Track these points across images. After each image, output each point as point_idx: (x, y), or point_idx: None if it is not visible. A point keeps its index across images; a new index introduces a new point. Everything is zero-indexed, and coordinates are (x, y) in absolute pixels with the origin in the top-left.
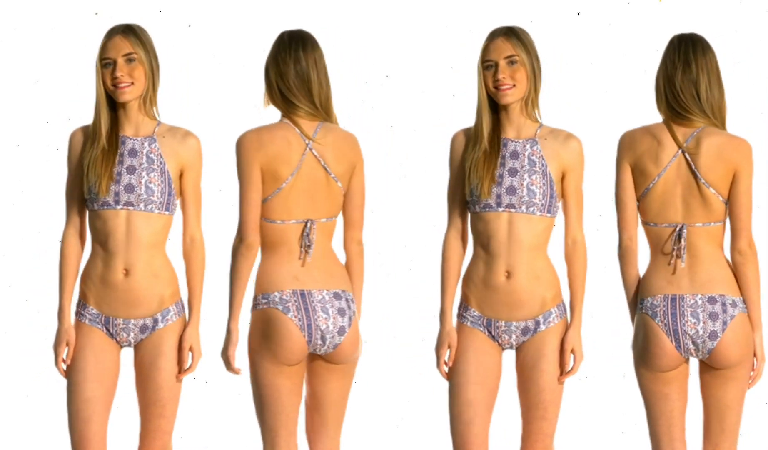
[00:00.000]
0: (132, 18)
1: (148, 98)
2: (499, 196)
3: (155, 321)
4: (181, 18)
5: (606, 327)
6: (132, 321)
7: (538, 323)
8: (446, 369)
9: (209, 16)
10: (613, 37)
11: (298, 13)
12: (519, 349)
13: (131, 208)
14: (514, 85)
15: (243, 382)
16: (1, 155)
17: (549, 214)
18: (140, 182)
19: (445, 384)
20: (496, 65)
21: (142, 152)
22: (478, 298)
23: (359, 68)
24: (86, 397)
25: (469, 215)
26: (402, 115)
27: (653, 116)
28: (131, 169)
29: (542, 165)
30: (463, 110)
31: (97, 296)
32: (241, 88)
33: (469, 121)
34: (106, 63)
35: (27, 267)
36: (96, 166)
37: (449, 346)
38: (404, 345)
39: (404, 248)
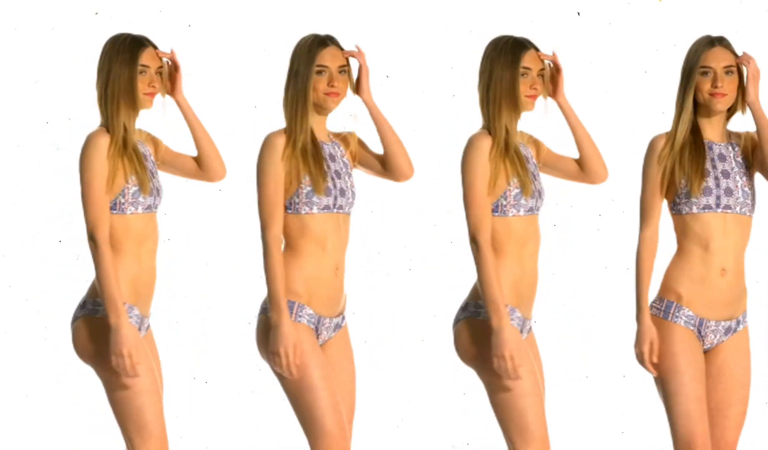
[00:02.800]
0: (132, 18)
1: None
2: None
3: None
4: (181, 18)
5: (606, 327)
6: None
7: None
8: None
9: (209, 16)
10: (613, 37)
11: (297, 14)
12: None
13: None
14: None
15: (243, 382)
16: (1, 155)
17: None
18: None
19: (443, 384)
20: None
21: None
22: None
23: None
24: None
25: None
26: (402, 115)
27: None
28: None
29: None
30: (464, 110)
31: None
32: (241, 88)
33: (469, 121)
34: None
35: (27, 267)
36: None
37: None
38: (404, 345)
39: (404, 248)
